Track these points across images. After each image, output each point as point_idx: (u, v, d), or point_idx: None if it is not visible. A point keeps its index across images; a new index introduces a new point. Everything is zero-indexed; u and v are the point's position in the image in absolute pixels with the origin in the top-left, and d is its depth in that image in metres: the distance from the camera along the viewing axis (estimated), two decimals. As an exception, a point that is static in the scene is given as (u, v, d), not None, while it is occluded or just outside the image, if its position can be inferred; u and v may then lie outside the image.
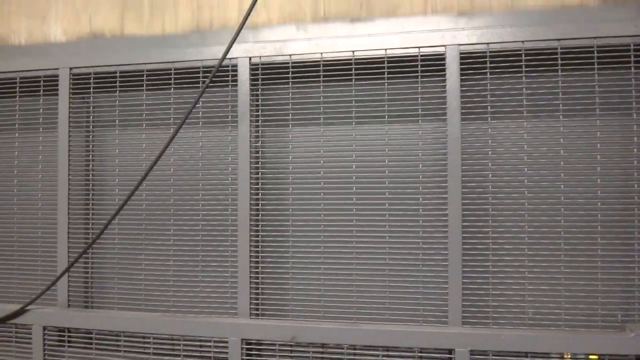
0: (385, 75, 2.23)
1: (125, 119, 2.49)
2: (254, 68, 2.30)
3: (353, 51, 2.23)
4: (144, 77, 2.42)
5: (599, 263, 2.07)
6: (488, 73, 2.14)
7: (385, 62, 2.22)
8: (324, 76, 2.27)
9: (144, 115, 2.45)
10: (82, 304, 2.54)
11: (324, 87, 2.28)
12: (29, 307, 2.41)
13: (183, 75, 2.39)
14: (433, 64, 2.19)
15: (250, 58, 2.30)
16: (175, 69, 2.39)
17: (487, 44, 2.12)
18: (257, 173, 2.35)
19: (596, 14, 2.10)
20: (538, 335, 2.00)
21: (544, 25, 2.09)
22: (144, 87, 2.42)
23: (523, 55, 2.11)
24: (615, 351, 1.95)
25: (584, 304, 2.07)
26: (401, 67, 2.22)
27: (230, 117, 2.37)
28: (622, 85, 2.11)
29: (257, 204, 2.35)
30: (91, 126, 2.54)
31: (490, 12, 2.19)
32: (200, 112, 2.39)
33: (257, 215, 2.35)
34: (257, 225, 2.34)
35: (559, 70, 2.09)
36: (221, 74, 2.34)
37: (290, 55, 2.28)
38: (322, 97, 2.28)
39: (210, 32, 2.42)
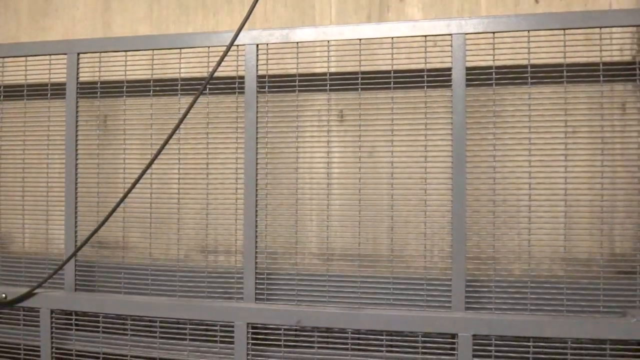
0: (392, 62, 2.24)
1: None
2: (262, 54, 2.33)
3: (360, 39, 2.24)
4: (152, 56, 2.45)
5: (601, 247, 2.10)
6: (493, 61, 2.16)
7: (392, 49, 2.24)
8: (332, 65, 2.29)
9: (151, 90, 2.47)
10: (89, 288, 2.56)
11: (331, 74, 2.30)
12: (36, 291, 2.44)
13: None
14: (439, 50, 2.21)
15: (257, 45, 2.31)
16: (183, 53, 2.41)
17: (493, 32, 2.14)
18: (265, 159, 2.37)
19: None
20: (540, 321, 2.03)
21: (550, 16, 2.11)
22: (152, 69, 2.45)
23: (529, 40, 2.12)
24: (617, 336, 1.98)
25: (586, 290, 2.10)
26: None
27: (237, 109, 2.39)
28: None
29: (265, 187, 2.37)
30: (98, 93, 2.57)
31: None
32: (209, 96, 2.42)
33: (264, 198, 2.37)
34: (264, 209, 2.36)
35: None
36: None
37: (297, 42, 2.29)
38: (328, 86, 2.31)
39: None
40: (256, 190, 2.30)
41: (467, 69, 2.14)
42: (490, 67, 2.16)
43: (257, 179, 2.31)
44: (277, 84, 2.35)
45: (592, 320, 2.02)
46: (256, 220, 2.30)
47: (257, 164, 2.31)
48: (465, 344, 2.06)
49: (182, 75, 2.42)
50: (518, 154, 2.15)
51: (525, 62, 2.13)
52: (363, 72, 2.27)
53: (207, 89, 2.35)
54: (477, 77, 2.17)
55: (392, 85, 2.24)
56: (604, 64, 2.08)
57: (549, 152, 2.15)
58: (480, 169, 2.20)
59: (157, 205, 2.47)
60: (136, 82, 2.46)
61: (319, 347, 2.25)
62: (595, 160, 2.11)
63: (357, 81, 2.26)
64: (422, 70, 2.22)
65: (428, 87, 2.22)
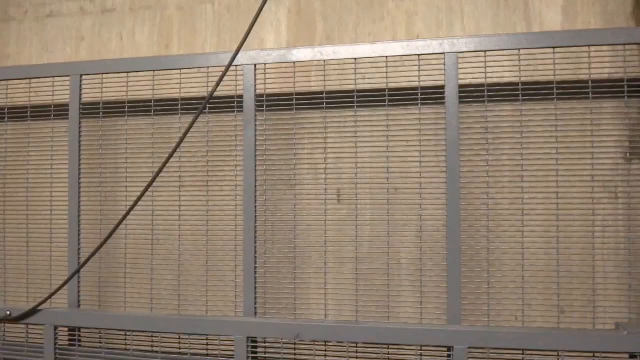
0: (387, 79, 2.30)
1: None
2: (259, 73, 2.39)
3: (355, 59, 2.30)
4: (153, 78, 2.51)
5: (595, 263, 2.14)
6: (485, 77, 2.21)
7: (387, 67, 2.29)
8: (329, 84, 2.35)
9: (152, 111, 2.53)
10: (92, 304, 2.60)
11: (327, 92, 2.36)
12: (40, 307, 2.48)
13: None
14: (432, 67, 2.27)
15: (255, 65, 2.37)
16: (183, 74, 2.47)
17: (485, 51, 2.19)
18: (263, 173, 2.42)
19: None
20: (534, 334, 2.06)
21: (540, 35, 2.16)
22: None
23: (519, 58, 2.18)
24: (609, 349, 2.01)
25: (580, 304, 2.14)
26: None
27: (236, 123, 2.44)
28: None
29: (264, 204, 2.42)
30: (100, 119, 2.62)
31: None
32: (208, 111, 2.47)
33: (264, 215, 2.42)
34: (264, 226, 2.41)
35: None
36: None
37: (294, 62, 2.35)
38: (324, 100, 2.36)
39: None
40: (255, 207, 2.35)
41: (460, 86, 2.19)
42: (482, 85, 2.21)
43: (256, 194, 2.36)
44: (275, 103, 2.40)
45: (584, 333, 2.06)
46: (255, 236, 2.35)
47: (255, 174, 2.36)
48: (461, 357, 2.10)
49: (183, 95, 2.47)
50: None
51: (517, 79, 2.18)
52: (359, 91, 2.33)
53: (207, 108, 2.41)
54: (470, 94, 2.22)
55: (387, 103, 2.29)
56: (593, 81, 2.14)
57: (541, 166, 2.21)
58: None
59: (158, 222, 2.52)
60: (138, 102, 2.52)
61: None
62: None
63: (352, 100, 2.32)
64: (416, 89, 2.27)
65: (422, 104, 2.28)
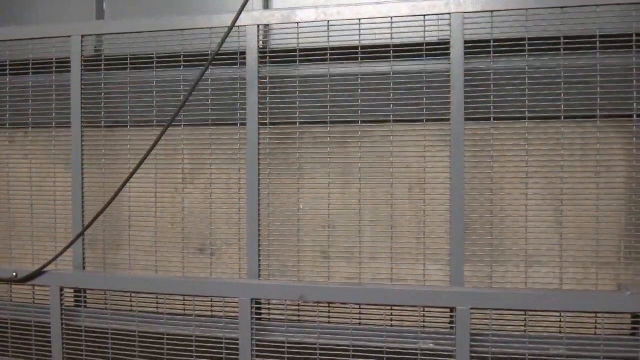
0: (391, 41, 2.27)
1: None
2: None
3: (359, 19, 2.27)
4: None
5: (597, 221, 2.14)
6: (492, 41, 2.18)
7: (392, 28, 2.26)
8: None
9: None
10: (97, 267, 2.62)
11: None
12: (46, 269, 2.51)
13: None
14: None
15: (258, 26, 2.34)
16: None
17: (492, 12, 2.16)
18: (266, 129, 2.42)
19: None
20: (535, 294, 2.08)
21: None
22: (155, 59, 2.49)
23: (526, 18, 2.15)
24: (611, 309, 2.03)
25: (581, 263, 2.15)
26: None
27: (239, 84, 2.42)
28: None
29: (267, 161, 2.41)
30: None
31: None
32: (210, 80, 2.45)
33: (267, 177, 2.41)
34: (267, 188, 2.40)
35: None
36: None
37: (297, 23, 2.32)
38: (329, 70, 2.34)
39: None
40: (259, 167, 2.35)
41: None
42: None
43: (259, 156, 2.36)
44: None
45: (586, 293, 2.07)
46: (259, 199, 2.35)
47: (258, 136, 2.35)
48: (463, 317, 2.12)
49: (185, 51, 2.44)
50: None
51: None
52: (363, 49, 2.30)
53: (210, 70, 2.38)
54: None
55: (391, 60, 2.27)
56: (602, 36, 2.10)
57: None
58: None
59: (161, 183, 2.53)
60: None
61: (321, 322, 2.31)
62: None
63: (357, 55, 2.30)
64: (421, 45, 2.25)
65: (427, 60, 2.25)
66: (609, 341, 2.06)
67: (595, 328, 2.10)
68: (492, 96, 2.19)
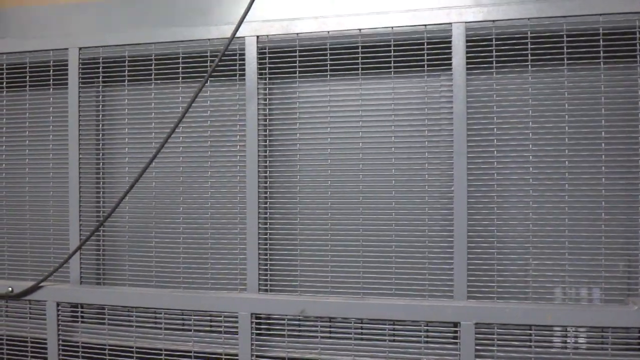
0: (392, 53, 2.25)
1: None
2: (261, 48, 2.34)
3: (360, 29, 2.24)
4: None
5: (602, 238, 2.10)
6: (494, 51, 2.16)
7: (392, 41, 2.24)
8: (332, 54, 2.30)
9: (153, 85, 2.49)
10: (94, 281, 2.59)
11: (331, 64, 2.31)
12: (42, 284, 2.47)
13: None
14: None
15: (257, 37, 2.32)
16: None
17: (493, 21, 2.13)
18: (265, 147, 2.40)
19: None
20: (541, 309, 2.04)
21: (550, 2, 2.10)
22: (153, 69, 2.46)
23: (529, 33, 2.12)
24: (618, 324, 1.99)
25: (587, 278, 2.11)
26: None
27: (237, 96, 2.40)
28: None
29: (265, 182, 2.38)
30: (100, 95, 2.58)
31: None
32: (209, 92, 2.43)
33: (266, 192, 2.38)
34: (266, 203, 2.37)
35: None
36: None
37: (297, 34, 2.30)
38: (328, 76, 2.31)
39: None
40: (258, 172, 2.32)
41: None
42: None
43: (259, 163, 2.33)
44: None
45: (593, 308, 2.03)
46: (259, 211, 2.32)
47: (258, 148, 2.32)
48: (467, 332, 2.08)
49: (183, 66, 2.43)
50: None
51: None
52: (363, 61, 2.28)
53: (209, 82, 2.36)
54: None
55: (392, 69, 2.24)
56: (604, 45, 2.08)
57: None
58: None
59: (160, 198, 2.50)
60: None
61: (322, 337, 2.27)
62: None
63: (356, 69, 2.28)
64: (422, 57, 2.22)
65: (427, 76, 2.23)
66: (617, 357, 2.02)
67: (602, 344, 2.06)
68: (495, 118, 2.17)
